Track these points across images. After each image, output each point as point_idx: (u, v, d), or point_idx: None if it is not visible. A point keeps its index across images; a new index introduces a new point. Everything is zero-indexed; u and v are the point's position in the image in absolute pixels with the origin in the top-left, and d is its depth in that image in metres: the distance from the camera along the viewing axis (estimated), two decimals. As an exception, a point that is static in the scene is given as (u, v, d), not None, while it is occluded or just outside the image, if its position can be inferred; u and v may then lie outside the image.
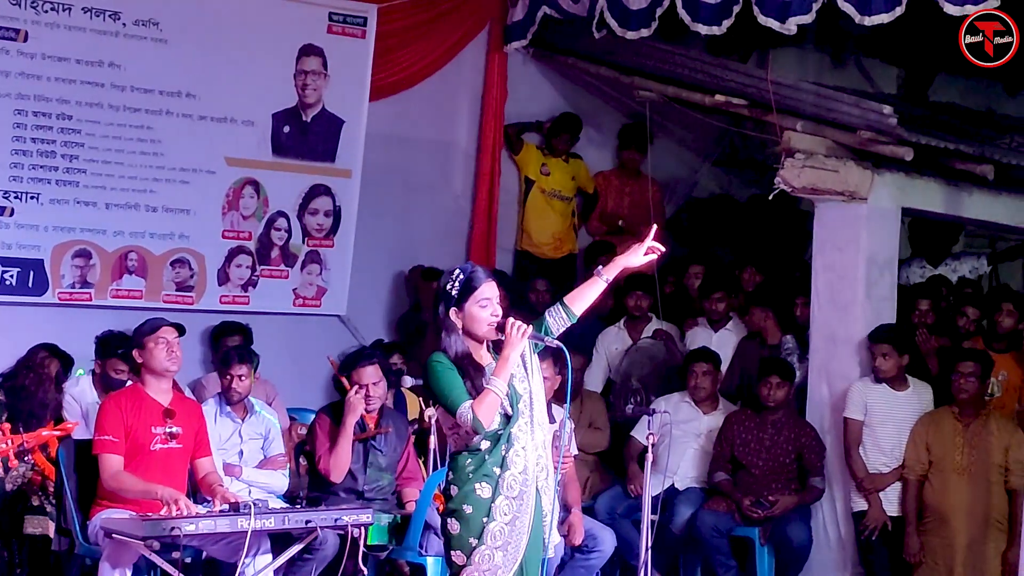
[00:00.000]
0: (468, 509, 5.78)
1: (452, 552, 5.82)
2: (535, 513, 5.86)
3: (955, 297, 10.17)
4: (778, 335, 9.77)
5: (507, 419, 5.82)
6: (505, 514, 5.77)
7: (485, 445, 5.80)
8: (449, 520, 5.83)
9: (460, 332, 5.84)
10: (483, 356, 5.89)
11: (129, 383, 8.05)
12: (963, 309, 9.68)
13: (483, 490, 5.77)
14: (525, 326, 5.80)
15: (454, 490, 5.83)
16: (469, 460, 5.81)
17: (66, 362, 8.74)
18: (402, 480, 8.38)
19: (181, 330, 7.69)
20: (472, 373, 5.80)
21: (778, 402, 9.06)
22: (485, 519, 5.75)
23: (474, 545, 5.74)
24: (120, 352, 8.47)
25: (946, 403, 8.85)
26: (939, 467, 8.71)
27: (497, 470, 5.78)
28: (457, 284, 5.83)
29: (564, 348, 5.89)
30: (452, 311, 5.83)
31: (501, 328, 5.81)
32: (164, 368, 7.57)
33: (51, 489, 8.03)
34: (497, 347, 5.87)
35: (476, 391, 5.76)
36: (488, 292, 5.84)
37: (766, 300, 9.88)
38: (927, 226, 10.78)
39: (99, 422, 7.50)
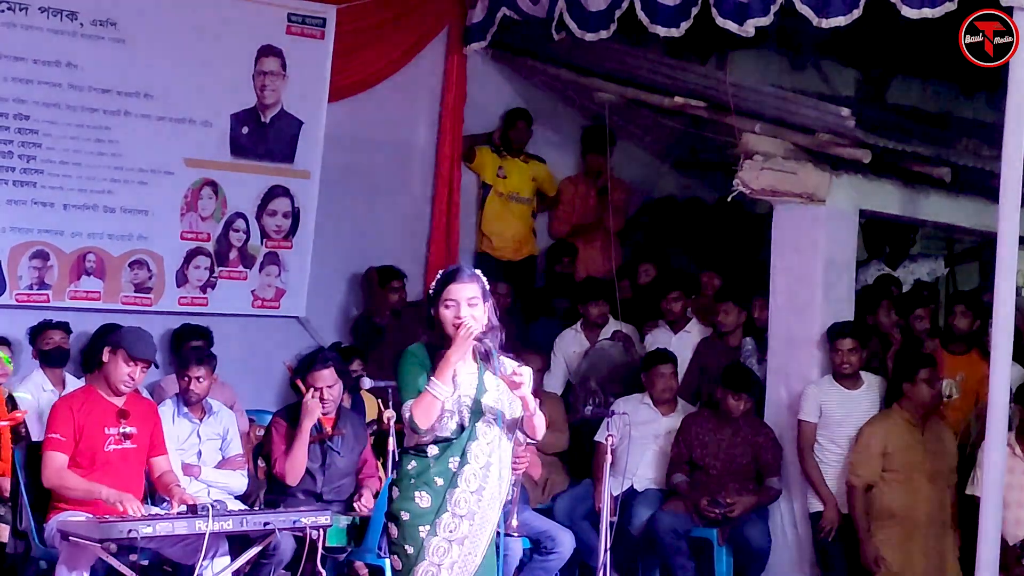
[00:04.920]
0: (405, 516, 5.60)
1: (391, 556, 5.69)
2: (490, 537, 5.69)
3: (910, 300, 10.21)
4: (739, 337, 9.79)
5: (461, 428, 5.65)
6: (450, 531, 5.58)
7: (433, 451, 5.62)
8: (389, 523, 5.68)
9: (438, 333, 5.69)
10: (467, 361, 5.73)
11: (83, 382, 8.02)
12: (920, 312, 9.72)
13: (422, 500, 5.59)
14: (473, 328, 5.63)
15: (395, 492, 5.68)
16: (413, 463, 5.64)
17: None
18: (361, 481, 8.36)
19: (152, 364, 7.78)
20: None
21: (742, 413, 9.08)
22: (424, 531, 5.57)
23: (410, 552, 5.57)
24: None
25: (894, 400, 8.86)
26: (901, 473, 8.67)
27: (440, 481, 5.59)
28: (436, 284, 5.72)
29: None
30: (432, 311, 5.70)
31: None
32: (116, 386, 7.55)
33: (6, 492, 7.98)
34: (485, 356, 5.73)
35: None
36: (455, 293, 5.65)
37: (735, 298, 9.89)
38: (883, 228, 10.83)
39: (49, 422, 7.52)
